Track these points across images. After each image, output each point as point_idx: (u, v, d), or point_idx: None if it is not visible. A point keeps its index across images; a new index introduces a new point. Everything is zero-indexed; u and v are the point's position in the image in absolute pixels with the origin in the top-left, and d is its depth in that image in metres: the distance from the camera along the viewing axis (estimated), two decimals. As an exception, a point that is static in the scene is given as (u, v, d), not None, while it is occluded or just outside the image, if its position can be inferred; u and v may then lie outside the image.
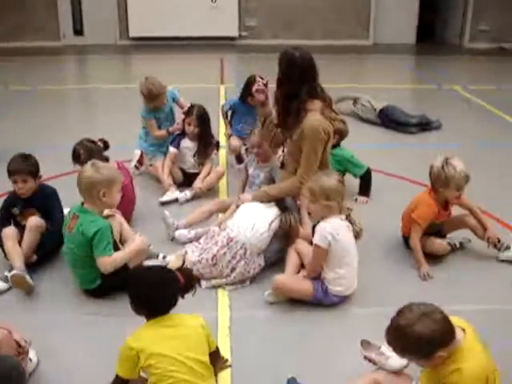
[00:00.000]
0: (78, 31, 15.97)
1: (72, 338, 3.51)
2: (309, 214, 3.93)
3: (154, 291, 2.83)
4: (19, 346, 3.04)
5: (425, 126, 7.80)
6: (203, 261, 4.04)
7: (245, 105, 6.18)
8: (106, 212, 4.04)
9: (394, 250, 4.55)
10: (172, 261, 4.14)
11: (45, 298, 3.96)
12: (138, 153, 6.13)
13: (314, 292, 3.76)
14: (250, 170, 5.08)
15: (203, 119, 5.67)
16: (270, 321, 3.71)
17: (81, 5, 15.68)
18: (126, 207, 4.65)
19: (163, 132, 5.97)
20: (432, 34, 16.85)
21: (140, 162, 6.10)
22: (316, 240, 3.66)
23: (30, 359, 3.21)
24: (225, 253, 4.03)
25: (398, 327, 2.47)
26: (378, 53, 14.94)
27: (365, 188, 5.57)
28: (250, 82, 5.54)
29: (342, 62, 13.61)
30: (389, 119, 7.86)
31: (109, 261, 3.75)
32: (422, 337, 2.40)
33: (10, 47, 15.20)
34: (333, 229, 3.63)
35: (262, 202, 4.31)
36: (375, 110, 8.02)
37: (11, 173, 4.17)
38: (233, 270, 4.01)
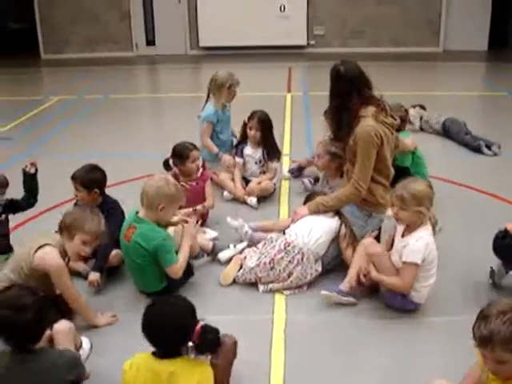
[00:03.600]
0: (151, 41, 16.41)
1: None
2: (400, 221, 3.78)
3: (162, 332, 2.71)
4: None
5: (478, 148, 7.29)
6: (261, 264, 4.10)
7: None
8: (178, 217, 4.22)
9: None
10: (229, 266, 4.25)
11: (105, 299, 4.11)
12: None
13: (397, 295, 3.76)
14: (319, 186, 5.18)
15: (265, 124, 5.69)
16: (325, 325, 3.73)
17: (153, 16, 16.11)
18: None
19: (213, 147, 5.99)
20: (505, 40, 16.46)
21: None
22: (409, 257, 3.61)
23: (83, 347, 3.38)
24: (282, 257, 4.09)
25: (500, 313, 2.34)
26: (449, 60, 14.70)
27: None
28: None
29: (412, 69, 13.46)
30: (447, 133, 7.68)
31: (178, 267, 3.87)
32: None
33: (86, 58, 15.79)
34: (426, 243, 3.61)
35: (318, 213, 4.33)
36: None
37: (71, 177, 4.33)
38: (290, 274, 4.06)
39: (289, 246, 4.12)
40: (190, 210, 4.78)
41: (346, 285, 3.88)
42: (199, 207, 4.91)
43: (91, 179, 4.28)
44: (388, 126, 4.20)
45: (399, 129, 5.68)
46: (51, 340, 3.08)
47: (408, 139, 5.38)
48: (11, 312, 2.62)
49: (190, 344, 2.74)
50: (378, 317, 3.79)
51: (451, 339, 3.53)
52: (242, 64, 14.11)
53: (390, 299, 3.82)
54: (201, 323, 2.74)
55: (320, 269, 4.16)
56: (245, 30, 15.24)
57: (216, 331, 2.83)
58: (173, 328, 2.69)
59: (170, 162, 5.13)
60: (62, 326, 3.15)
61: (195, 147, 5.01)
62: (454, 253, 4.39)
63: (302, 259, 4.08)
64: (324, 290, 3.87)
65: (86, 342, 3.43)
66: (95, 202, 4.31)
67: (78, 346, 3.31)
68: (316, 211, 4.34)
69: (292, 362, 3.36)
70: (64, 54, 16.20)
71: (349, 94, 4.14)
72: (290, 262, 4.07)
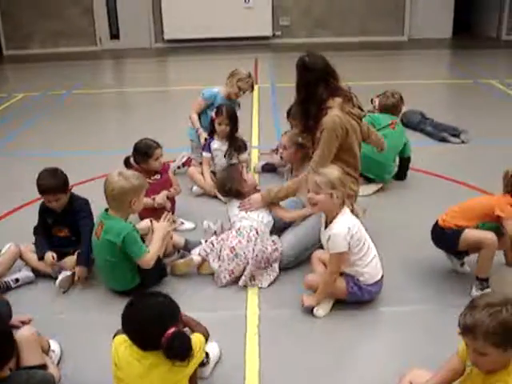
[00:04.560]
0: (115, 35, 16.25)
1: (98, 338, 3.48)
2: (313, 205, 3.75)
3: (142, 326, 2.64)
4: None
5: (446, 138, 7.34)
6: (225, 258, 4.12)
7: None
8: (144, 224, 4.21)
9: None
10: (182, 261, 4.23)
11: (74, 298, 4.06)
12: (185, 155, 6.25)
13: (349, 288, 3.72)
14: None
15: (233, 118, 5.75)
16: (298, 319, 3.72)
17: (116, 9, 15.95)
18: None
19: (196, 122, 6.14)
20: (468, 28, 16.64)
21: (186, 163, 6.19)
22: (335, 248, 3.60)
23: (53, 350, 3.31)
24: (239, 240, 4.17)
25: (488, 305, 2.33)
26: (414, 48, 14.81)
27: (404, 172, 5.95)
28: None
29: (378, 58, 13.55)
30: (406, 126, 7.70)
31: (149, 257, 3.85)
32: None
33: (50, 53, 15.57)
34: (347, 229, 3.58)
35: (272, 200, 4.43)
36: None
37: (43, 192, 4.14)
38: (253, 251, 4.12)
39: (239, 229, 4.25)
40: (161, 196, 4.85)
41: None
42: (171, 190, 5.00)
43: (62, 179, 4.16)
44: (354, 117, 4.20)
45: (393, 114, 5.91)
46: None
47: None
48: None
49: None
50: (346, 308, 3.77)
51: (418, 328, 3.56)
52: (208, 56, 14.07)
53: (352, 298, 3.77)
54: (173, 329, 2.65)
55: (279, 243, 4.25)
56: (210, 22, 15.18)
57: (187, 340, 2.71)
58: (152, 324, 2.60)
59: (131, 159, 5.05)
60: (25, 333, 3.03)
61: (158, 145, 4.96)
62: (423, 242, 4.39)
63: (257, 233, 4.20)
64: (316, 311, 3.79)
65: (54, 345, 3.35)
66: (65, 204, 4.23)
67: (46, 350, 3.24)
68: (268, 198, 4.40)
69: (267, 358, 3.34)
70: (27, 49, 15.96)
71: (315, 85, 4.14)
72: (247, 241, 4.15)
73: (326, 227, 3.73)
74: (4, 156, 7.14)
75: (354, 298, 3.77)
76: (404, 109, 7.54)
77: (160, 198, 4.84)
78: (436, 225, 4.06)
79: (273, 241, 4.25)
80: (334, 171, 3.70)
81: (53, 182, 4.10)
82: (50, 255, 4.10)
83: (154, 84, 11.84)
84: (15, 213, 5.38)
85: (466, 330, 2.36)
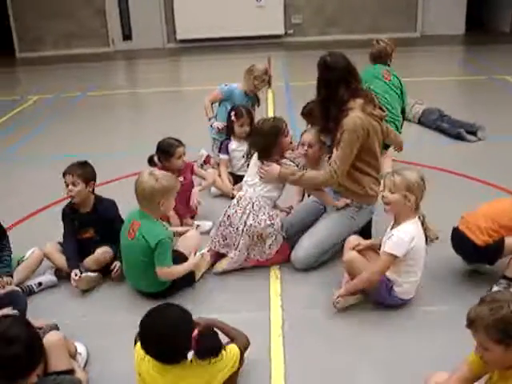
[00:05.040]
0: (127, 36, 16.28)
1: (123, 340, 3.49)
2: (386, 204, 3.69)
3: (162, 339, 2.64)
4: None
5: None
6: (222, 223, 4.30)
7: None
8: (181, 229, 4.45)
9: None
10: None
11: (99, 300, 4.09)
12: (204, 153, 6.26)
13: (381, 286, 3.70)
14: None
15: (252, 118, 5.79)
16: (321, 320, 3.72)
17: (128, 10, 15.97)
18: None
19: (209, 111, 6.26)
20: (481, 24, 16.55)
21: (206, 162, 6.21)
22: (392, 249, 3.57)
23: (80, 353, 3.33)
24: (236, 210, 4.27)
25: (493, 300, 2.39)
26: (426, 45, 14.74)
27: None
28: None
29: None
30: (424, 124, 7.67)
31: (166, 271, 3.86)
32: None
33: (62, 55, 15.62)
34: (411, 237, 3.57)
35: (285, 180, 4.32)
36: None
37: (63, 174, 4.21)
38: (245, 224, 4.21)
39: (240, 199, 4.32)
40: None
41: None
42: (200, 187, 5.20)
43: (87, 171, 4.23)
44: (376, 118, 4.18)
45: (385, 62, 5.95)
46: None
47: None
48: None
49: (191, 353, 2.66)
50: (372, 309, 3.78)
51: (444, 329, 3.54)
52: (221, 56, 14.07)
53: (376, 297, 3.78)
54: (197, 329, 2.68)
55: (273, 213, 4.30)
56: (222, 21, 15.18)
57: (214, 334, 2.79)
58: (173, 337, 2.62)
59: (155, 158, 5.08)
60: (52, 338, 3.03)
61: (181, 143, 4.97)
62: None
63: (253, 207, 4.23)
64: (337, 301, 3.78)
65: (81, 348, 3.37)
66: (88, 201, 4.26)
67: (73, 354, 3.26)
68: (284, 177, 4.27)
69: (291, 359, 3.35)
70: (39, 51, 16.02)
71: (336, 85, 4.10)
72: (243, 213, 4.24)
73: (392, 228, 3.72)
74: (16, 160, 7.20)
75: (378, 298, 3.77)
76: (420, 107, 7.54)
77: (194, 199, 5.04)
78: (464, 238, 3.92)
79: (270, 215, 4.26)
80: (413, 174, 3.65)
81: (76, 166, 4.22)
82: (73, 274, 4.07)
83: (167, 84, 11.84)
84: (32, 217, 5.42)
85: (469, 323, 2.43)
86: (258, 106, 6.46)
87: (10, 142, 7.98)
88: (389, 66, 6.08)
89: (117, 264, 4.16)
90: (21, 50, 16.27)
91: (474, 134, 7.08)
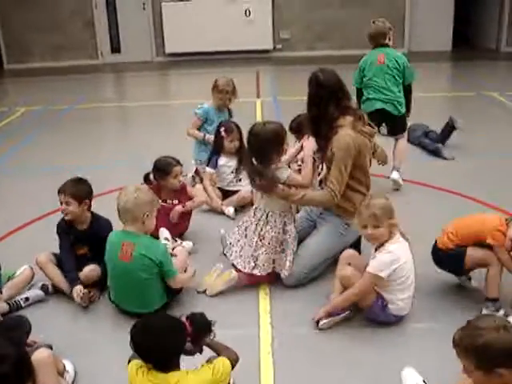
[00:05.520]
0: (116, 49, 16.26)
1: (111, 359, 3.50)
2: (374, 239, 3.70)
3: (158, 340, 2.65)
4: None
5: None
6: (239, 231, 4.32)
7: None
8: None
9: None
10: (217, 280, 4.24)
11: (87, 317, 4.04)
12: (193, 164, 6.24)
13: (375, 304, 3.70)
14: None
15: (241, 133, 5.70)
16: (311, 337, 3.71)
17: (117, 23, 15.97)
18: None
19: (198, 134, 6.21)
20: (466, 40, 16.70)
21: (196, 173, 6.16)
22: (375, 269, 3.58)
23: (68, 371, 3.29)
24: (251, 222, 4.26)
25: (476, 327, 2.44)
26: (414, 61, 14.79)
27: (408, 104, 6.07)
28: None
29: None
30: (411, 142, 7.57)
31: (180, 278, 3.97)
32: (493, 345, 2.35)
33: (50, 67, 15.57)
34: (392, 259, 3.57)
35: (285, 199, 4.23)
36: None
37: (58, 191, 4.19)
38: (258, 235, 4.19)
39: (256, 209, 4.29)
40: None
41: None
42: (188, 203, 5.03)
43: (81, 189, 4.18)
44: (366, 135, 4.19)
45: (387, 45, 6.02)
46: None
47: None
48: None
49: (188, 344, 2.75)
50: (363, 326, 3.78)
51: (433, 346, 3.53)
52: (210, 69, 14.03)
53: (370, 314, 3.78)
54: (184, 316, 2.81)
55: (292, 225, 4.26)
56: (211, 35, 15.20)
57: (201, 313, 2.92)
58: (170, 340, 2.67)
59: (151, 176, 5.03)
60: (41, 355, 2.97)
61: (178, 162, 4.93)
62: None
63: (267, 217, 4.20)
64: (320, 322, 3.77)
65: (69, 366, 3.33)
66: (84, 218, 4.23)
67: (61, 371, 3.22)
68: (283, 198, 4.20)
69: (281, 377, 3.33)
70: (27, 63, 15.94)
71: (327, 102, 4.12)
72: (257, 224, 4.21)
73: (375, 250, 3.71)
74: (4, 172, 7.15)
75: (372, 315, 3.77)
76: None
77: (175, 212, 4.93)
78: (435, 247, 4.03)
79: (285, 222, 4.22)
80: (382, 199, 3.66)
81: (69, 184, 4.19)
82: (77, 289, 4.04)
83: (155, 98, 11.84)
84: (25, 228, 5.38)
85: (454, 346, 2.51)
86: (231, 118, 6.38)
87: (1, 152, 7.94)
88: (388, 46, 6.11)
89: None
90: (9, 62, 16.20)
91: (454, 128, 7.27)
